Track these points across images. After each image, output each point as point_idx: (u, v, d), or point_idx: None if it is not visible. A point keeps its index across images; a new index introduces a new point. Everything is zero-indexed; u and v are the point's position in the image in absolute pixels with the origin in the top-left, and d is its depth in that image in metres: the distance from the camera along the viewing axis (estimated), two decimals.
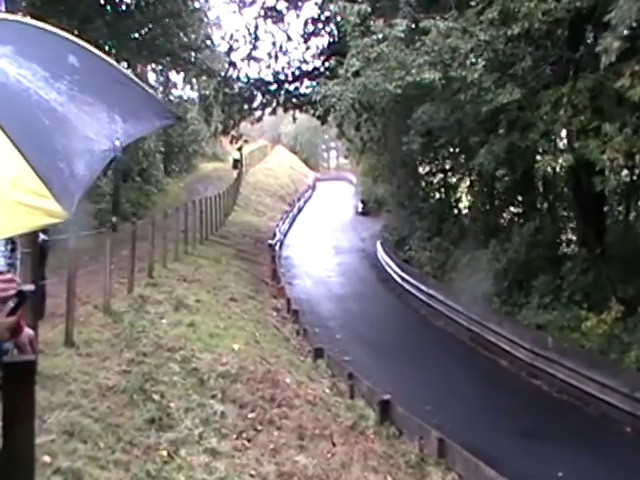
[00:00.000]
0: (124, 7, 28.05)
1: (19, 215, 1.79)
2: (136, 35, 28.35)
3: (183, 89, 39.28)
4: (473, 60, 16.86)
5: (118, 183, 24.64)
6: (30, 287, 2.39)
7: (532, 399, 13.99)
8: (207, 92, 31.78)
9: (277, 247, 31.36)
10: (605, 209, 20.13)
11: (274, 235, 33.41)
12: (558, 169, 20.28)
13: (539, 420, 12.47)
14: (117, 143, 2.06)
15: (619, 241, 19.39)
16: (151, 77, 34.71)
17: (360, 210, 44.55)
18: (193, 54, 30.82)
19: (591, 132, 15.30)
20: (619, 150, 14.57)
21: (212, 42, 33.63)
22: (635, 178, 19.38)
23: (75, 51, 2.21)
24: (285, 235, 36.61)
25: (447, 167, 27.83)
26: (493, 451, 10.25)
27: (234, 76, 31.50)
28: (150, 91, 2.48)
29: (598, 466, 10.34)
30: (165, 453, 6.96)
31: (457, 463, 9.09)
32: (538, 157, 21.24)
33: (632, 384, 12.16)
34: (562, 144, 19.67)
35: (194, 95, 37.35)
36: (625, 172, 18.76)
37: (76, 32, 18.02)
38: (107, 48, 25.67)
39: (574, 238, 21.06)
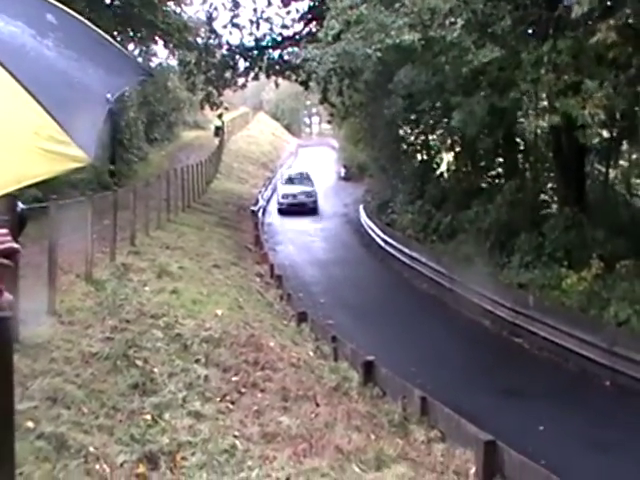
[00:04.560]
0: None
1: (46, 161, 1.90)
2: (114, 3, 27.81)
3: (165, 58, 38.68)
4: (452, 20, 16.80)
5: (115, 134, 24.15)
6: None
7: (514, 357, 14.19)
8: (188, 59, 31.51)
9: (260, 214, 31.36)
10: (585, 169, 20.30)
11: (257, 202, 33.39)
12: (539, 131, 20.39)
13: (521, 377, 12.67)
14: (108, 96, 2.14)
15: (599, 200, 19.60)
16: (131, 46, 34.14)
17: (342, 175, 44.52)
18: (173, 23, 30.22)
19: (570, 91, 15.35)
20: (599, 105, 14.67)
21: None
22: (615, 135, 19.50)
23: (51, 10, 2.25)
24: (268, 202, 36.57)
25: (429, 130, 27.76)
26: (476, 409, 10.36)
27: (215, 43, 31.27)
28: (122, 49, 2.52)
29: (578, 419, 10.57)
30: (149, 417, 7.01)
31: (439, 421, 9.21)
32: (519, 118, 21.41)
33: (611, 339, 12.36)
34: (543, 104, 19.71)
35: (175, 63, 36.87)
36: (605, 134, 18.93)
37: None
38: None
39: (555, 198, 21.22)
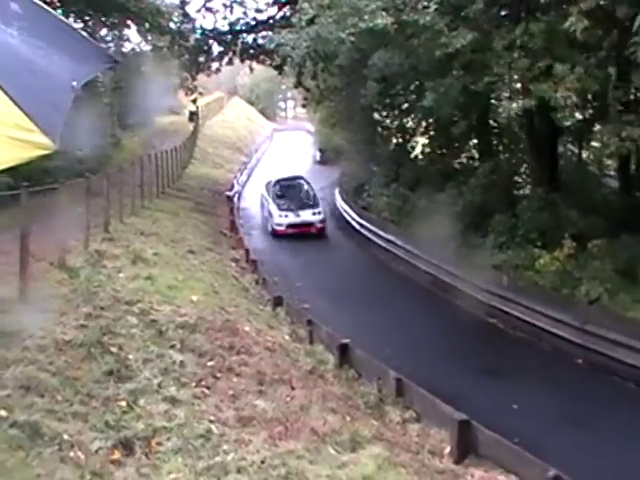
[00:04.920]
0: None
1: (12, 149, 1.99)
2: None
3: (138, 43, 38.25)
4: (425, 4, 16.83)
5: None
6: None
7: (489, 338, 14.31)
8: (161, 44, 31.33)
9: (235, 199, 31.27)
10: (559, 151, 20.50)
11: (232, 187, 33.30)
12: (513, 113, 20.51)
13: (495, 357, 12.82)
14: (74, 83, 2.14)
15: (572, 180, 19.81)
16: (103, 31, 33.67)
17: (318, 159, 44.50)
18: (145, 7, 29.86)
19: (542, 75, 15.48)
20: (571, 88, 14.82)
21: None
22: (587, 117, 19.66)
23: None
24: (243, 186, 36.49)
25: (404, 113, 27.83)
26: (451, 389, 10.48)
27: (189, 28, 31.18)
28: (87, 37, 2.53)
29: (551, 397, 10.72)
30: (124, 403, 7.02)
31: (414, 401, 9.30)
32: (493, 100, 21.52)
33: (583, 317, 12.56)
34: (516, 86, 19.82)
35: (148, 48, 36.48)
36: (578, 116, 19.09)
37: None
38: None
39: (529, 179, 21.41)
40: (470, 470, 7.51)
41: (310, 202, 26.33)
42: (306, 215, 25.30)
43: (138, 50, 37.80)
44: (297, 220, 25.05)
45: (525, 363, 12.42)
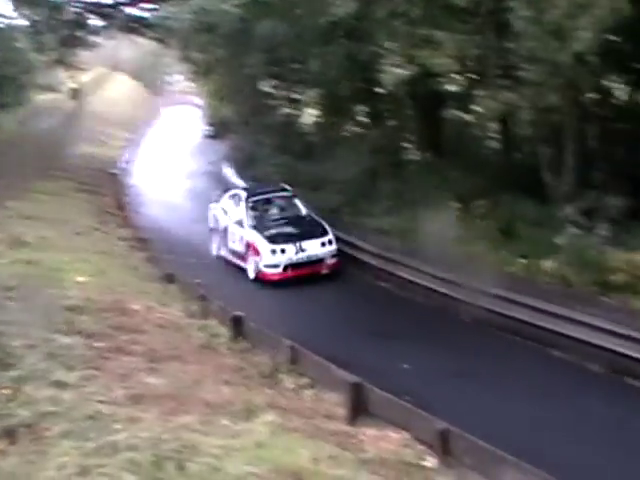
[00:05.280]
0: None
1: None
2: None
3: (12, 17, 36.44)
4: None
5: None
6: None
7: (380, 301, 14.67)
8: (37, 18, 30.02)
9: (122, 176, 30.56)
10: (443, 115, 21.04)
11: (118, 164, 32.53)
12: (398, 79, 20.86)
13: (386, 320, 13.19)
14: None
15: (456, 143, 20.41)
16: None
17: (208, 133, 43.93)
18: None
19: (423, 43, 15.80)
20: (451, 55, 15.23)
21: None
22: (469, 82, 20.22)
23: None
24: (130, 164, 35.66)
25: (291, 82, 27.79)
26: (343, 354, 10.66)
27: (66, 0, 30.06)
28: None
29: (438, 354, 11.19)
30: (7, 391, 6.78)
31: (308, 368, 9.40)
32: (378, 67, 21.80)
33: (468, 275, 13.04)
34: (399, 53, 20.14)
35: (23, 23, 34.80)
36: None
37: None
38: None
39: (416, 144, 21.89)
40: (362, 430, 7.69)
41: (314, 226, 17.36)
42: (313, 247, 16.65)
43: (12, 25, 36.09)
44: (301, 256, 16.49)
45: (414, 323, 12.85)
